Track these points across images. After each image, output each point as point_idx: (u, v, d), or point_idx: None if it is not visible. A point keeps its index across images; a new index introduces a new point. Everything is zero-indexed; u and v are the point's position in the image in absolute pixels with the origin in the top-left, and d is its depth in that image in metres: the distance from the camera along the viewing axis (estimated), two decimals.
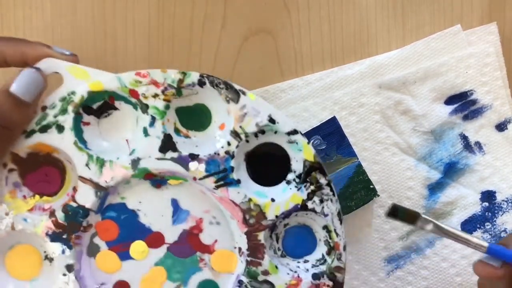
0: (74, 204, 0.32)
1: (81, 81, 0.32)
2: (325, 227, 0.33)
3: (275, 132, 0.32)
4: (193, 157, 0.32)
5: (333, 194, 0.32)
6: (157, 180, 0.33)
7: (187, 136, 0.33)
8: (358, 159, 0.38)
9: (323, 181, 0.32)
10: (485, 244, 0.30)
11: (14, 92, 0.31)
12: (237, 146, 0.32)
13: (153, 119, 0.32)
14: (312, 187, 0.32)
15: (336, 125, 0.38)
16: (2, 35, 0.37)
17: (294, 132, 0.32)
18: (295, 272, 0.33)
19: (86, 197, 0.32)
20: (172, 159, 0.32)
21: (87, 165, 0.32)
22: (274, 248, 0.34)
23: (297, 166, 0.33)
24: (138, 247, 0.34)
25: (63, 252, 0.32)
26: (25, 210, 0.32)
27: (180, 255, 0.34)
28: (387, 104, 0.39)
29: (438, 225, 0.30)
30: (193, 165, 0.32)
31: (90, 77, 0.32)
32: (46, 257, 0.33)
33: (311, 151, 0.32)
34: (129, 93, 0.32)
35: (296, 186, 0.33)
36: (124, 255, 0.34)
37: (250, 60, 0.40)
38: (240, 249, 0.33)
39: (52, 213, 0.32)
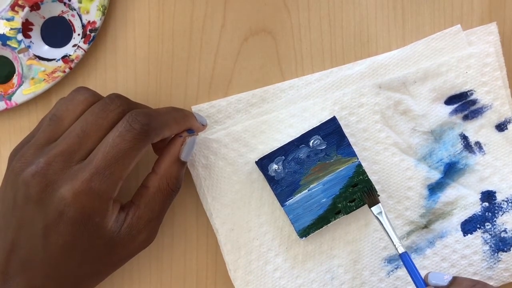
0: None
1: None
2: None
3: None
4: None
5: None
6: None
7: None
8: (358, 159, 0.38)
9: None
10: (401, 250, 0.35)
11: (184, 159, 0.35)
12: None
13: None
14: None
15: (336, 125, 0.38)
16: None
17: None
18: None
19: None
20: None
21: None
22: None
23: None
24: None
25: None
26: None
27: None
28: (387, 104, 0.39)
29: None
30: None
31: None
32: None
33: None
34: None
35: None
36: None
37: (250, 60, 0.40)
38: None
39: None
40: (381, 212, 0.36)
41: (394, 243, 0.35)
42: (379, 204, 0.37)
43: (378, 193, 0.38)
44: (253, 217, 0.39)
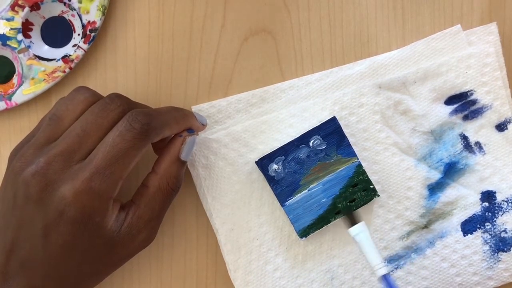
0: None
1: None
2: None
3: None
4: None
5: None
6: None
7: None
8: (358, 159, 0.38)
9: None
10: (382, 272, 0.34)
11: (184, 159, 0.35)
12: None
13: None
14: None
15: (336, 125, 0.38)
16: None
17: None
18: None
19: None
20: None
21: None
22: None
23: None
24: None
25: None
26: None
27: None
28: (387, 104, 0.39)
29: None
30: None
31: None
32: None
33: None
34: None
35: None
36: None
37: (250, 60, 0.40)
38: None
39: None
40: (360, 233, 0.35)
41: (373, 265, 0.34)
42: (363, 222, 0.36)
43: (378, 193, 0.38)
44: (253, 217, 0.39)
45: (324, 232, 0.39)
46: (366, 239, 0.35)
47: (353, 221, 0.36)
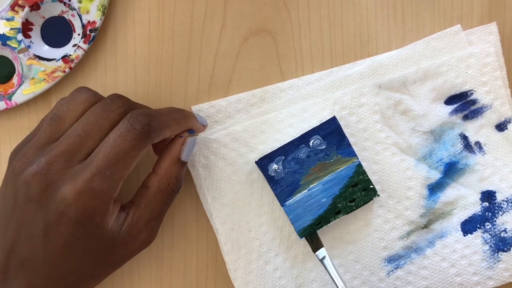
0: None
1: None
2: None
3: None
4: None
5: None
6: None
7: None
8: (358, 159, 0.38)
9: None
10: None
11: (185, 160, 0.35)
12: None
13: None
14: None
15: (336, 125, 0.38)
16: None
17: None
18: None
19: None
20: None
21: None
22: None
23: None
24: None
25: None
26: None
27: None
28: (387, 104, 0.39)
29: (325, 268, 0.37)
30: None
31: None
32: None
33: None
34: None
35: None
36: None
37: (250, 60, 0.40)
38: None
39: None
40: (325, 257, 0.37)
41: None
42: (323, 248, 0.37)
43: (378, 193, 0.38)
44: (253, 217, 0.39)
45: (324, 232, 0.39)
46: (331, 263, 0.37)
47: (313, 247, 0.37)
